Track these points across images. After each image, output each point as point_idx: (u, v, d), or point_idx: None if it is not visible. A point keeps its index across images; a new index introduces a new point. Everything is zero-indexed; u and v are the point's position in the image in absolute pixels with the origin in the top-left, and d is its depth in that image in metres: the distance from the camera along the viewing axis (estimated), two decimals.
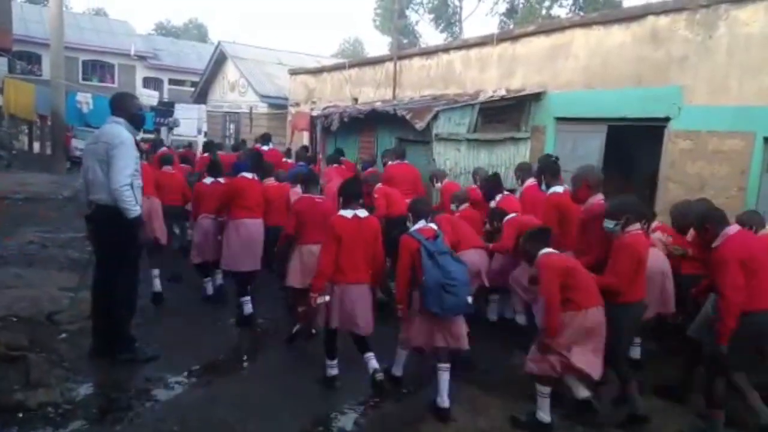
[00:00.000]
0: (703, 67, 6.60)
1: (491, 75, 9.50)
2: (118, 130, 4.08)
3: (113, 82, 28.24)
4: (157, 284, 5.73)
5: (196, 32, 49.83)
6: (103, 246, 4.23)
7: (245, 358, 4.78)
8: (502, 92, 8.80)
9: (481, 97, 8.68)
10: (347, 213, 4.04)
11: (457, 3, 33.91)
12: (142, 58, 29.19)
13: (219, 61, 21.74)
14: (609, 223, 3.79)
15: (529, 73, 8.82)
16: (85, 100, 17.44)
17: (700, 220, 3.86)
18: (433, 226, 4.04)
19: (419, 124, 7.91)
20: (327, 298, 4.00)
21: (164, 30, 48.64)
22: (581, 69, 7.99)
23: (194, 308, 5.75)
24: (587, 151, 7.90)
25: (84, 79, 27.04)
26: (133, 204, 4.00)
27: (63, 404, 3.56)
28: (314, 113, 12.50)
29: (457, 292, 3.66)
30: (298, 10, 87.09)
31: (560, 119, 8.39)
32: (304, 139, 13.55)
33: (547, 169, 4.96)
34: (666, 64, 6.95)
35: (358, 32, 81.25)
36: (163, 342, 4.68)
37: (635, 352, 4.76)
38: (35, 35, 23.87)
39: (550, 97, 8.48)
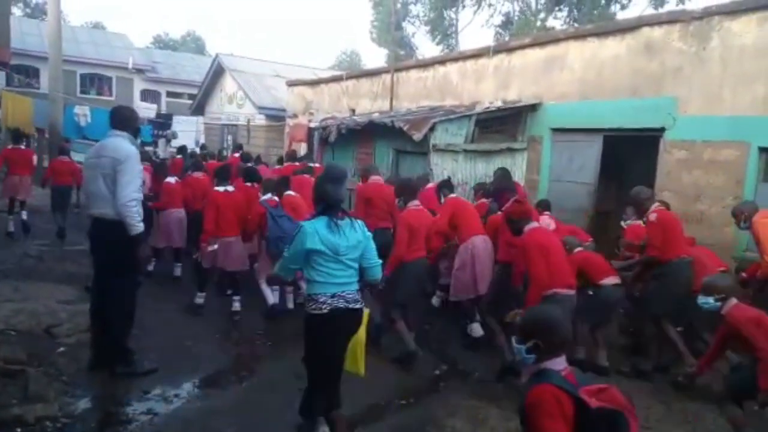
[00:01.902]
0: (697, 78, 6.67)
1: (487, 86, 9.58)
2: (122, 143, 4.08)
3: (111, 95, 28.27)
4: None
5: (194, 45, 50.01)
6: (101, 259, 4.23)
7: (243, 369, 4.77)
8: (499, 103, 8.86)
9: (478, 108, 8.75)
10: (220, 188, 5.87)
11: (453, 15, 34.17)
12: (139, 70, 29.26)
13: (217, 73, 21.82)
14: None
15: (524, 84, 8.89)
16: (83, 113, 17.45)
17: None
18: (275, 198, 5.83)
19: (417, 135, 7.96)
20: (215, 246, 5.71)
21: (162, 43, 48.82)
22: (576, 80, 8.07)
23: (191, 320, 5.75)
24: (584, 161, 7.95)
25: (82, 92, 27.05)
26: (138, 220, 4.02)
27: (61, 418, 3.55)
28: (312, 125, 12.55)
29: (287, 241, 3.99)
30: (296, 23, 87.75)
31: (556, 130, 8.45)
32: (302, 150, 13.59)
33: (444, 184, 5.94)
34: (660, 75, 7.03)
35: (355, 44, 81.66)
36: (161, 354, 4.67)
37: None
38: (33, 49, 23.91)
39: (545, 108, 8.55)
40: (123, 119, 4.22)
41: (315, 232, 3.06)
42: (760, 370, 3.41)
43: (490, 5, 32.59)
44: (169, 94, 30.55)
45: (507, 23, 32.15)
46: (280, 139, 17.33)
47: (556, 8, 29.77)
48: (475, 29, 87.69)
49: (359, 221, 3.31)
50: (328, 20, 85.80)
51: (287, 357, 4.98)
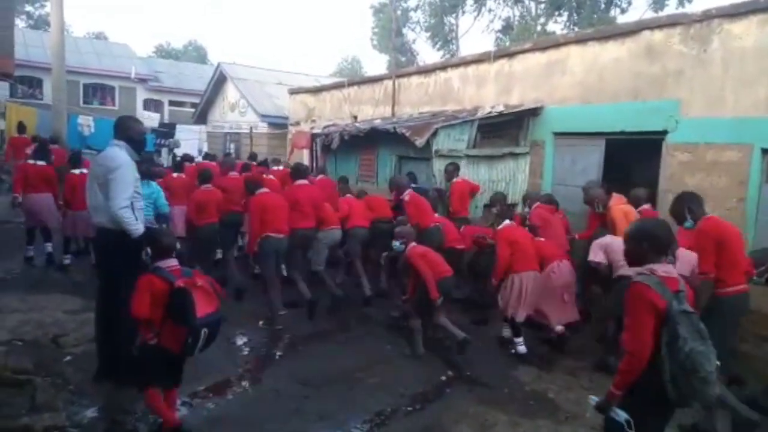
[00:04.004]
0: (698, 81, 6.68)
1: (489, 91, 9.61)
2: (117, 153, 4.08)
3: (114, 105, 28.45)
4: None
5: (196, 54, 50.26)
6: (105, 269, 4.25)
7: (248, 377, 4.77)
8: (501, 108, 8.88)
9: (480, 114, 8.77)
10: (31, 161, 7.52)
11: (453, 21, 34.29)
12: (142, 80, 29.44)
13: (219, 81, 21.94)
14: None
15: (526, 89, 8.91)
16: (86, 123, 17.50)
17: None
18: None
19: (419, 141, 7.98)
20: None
21: (164, 52, 49.10)
22: (578, 84, 8.09)
23: None
24: (586, 164, 7.96)
25: (85, 102, 27.22)
26: (134, 223, 4.01)
27: (69, 428, 3.56)
28: (314, 132, 12.59)
29: None
30: (297, 31, 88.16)
31: (558, 134, 8.46)
32: (304, 157, 13.63)
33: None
34: (662, 78, 7.04)
35: (356, 51, 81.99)
36: None
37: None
38: (36, 59, 24.08)
39: (547, 113, 8.56)
40: (120, 128, 4.22)
41: None
42: (427, 286, 5.13)
43: (490, 11, 32.71)
44: (172, 103, 30.71)
45: (507, 28, 32.24)
46: (283, 146, 17.39)
47: (556, 13, 29.87)
48: (476, 35, 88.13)
49: None
50: (329, 28, 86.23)
51: (293, 365, 5.01)
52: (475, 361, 5.24)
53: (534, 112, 8.68)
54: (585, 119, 7.95)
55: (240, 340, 5.54)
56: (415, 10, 34.86)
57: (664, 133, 6.99)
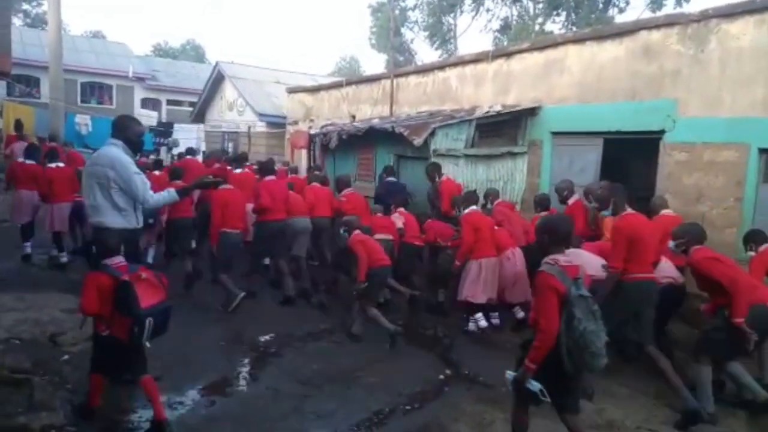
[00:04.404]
0: (696, 81, 6.70)
1: (487, 91, 9.61)
2: (115, 152, 4.05)
3: (111, 104, 28.37)
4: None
5: (194, 53, 50.18)
6: None
7: (247, 376, 4.78)
8: (498, 108, 8.89)
9: (478, 113, 8.78)
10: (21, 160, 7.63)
11: (451, 21, 34.30)
12: (140, 79, 29.38)
13: (217, 80, 21.91)
14: None
15: (524, 88, 8.93)
16: (84, 122, 17.52)
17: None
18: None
19: (417, 141, 7.98)
20: None
21: (162, 51, 48.98)
22: (575, 84, 8.10)
23: (195, 328, 5.76)
24: (584, 164, 7.98)
25: (83, 101, 27.15)
26: (163, 197, 4.22)
27: (66, 426, 3.55)
28: (312, 131, 12.59)
29: None
30: (295, 30, 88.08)
31: (556, 133, 8.47)
32: (303, 157, 13.63)
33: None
34: (659, 78, 7.06)
35: (355, 51, 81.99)
36: (165, 361, 4.66)
37: None
38: (34, 58, 24.01)
39: (545, 112, 8.58)
40: (117, 127, 4.19)
41: None
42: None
43: (488, 10, 32.74)
44: (170, 102, 30.65)
45: (505, 28, 32.28)
46: (281, 146, 17.38)
47: (554, 12, 29.91)
48: (474, 34, 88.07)
49: None
50: (327, 27, 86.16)
51: (291, 364, 5.02)
52: (473, 360, 5.25)
53: (532, 112, 8.70)
54: (583, 119, 7.97)
55: (238, 340, 5.54)
56: (414, 9, 34.88)
57: (662, 132, 7.01)
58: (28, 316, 5.30)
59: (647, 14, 24.26)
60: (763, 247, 4.83)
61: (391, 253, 6.44)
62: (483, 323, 5.93)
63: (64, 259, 7.64)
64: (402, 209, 7.27)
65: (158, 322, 3.46)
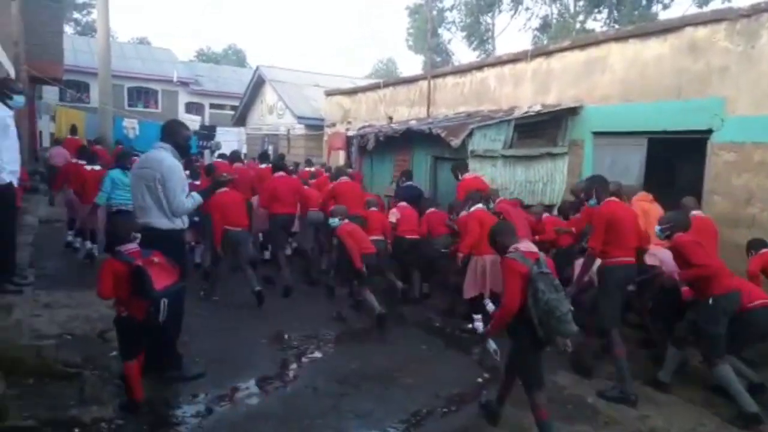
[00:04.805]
0: (745, 78, 6.46)
1: (526, 91, 9.50)
2: (164, 155, 4.20)
3: (157, 108, 29.30)
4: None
5: (235, 58, 51.29)
6: None
7: (287, 374, 4.85)
8: (538, 107, 8.77)
9: (517, 113, 8.68)
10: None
11: (489, 20, 34.00)
12: (184, 84, 30.21)
13: (257, 84, 22.34)
14: None
15: (564, 87, 8.78)
16: (131, 125, 18.10)
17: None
18: None
19: (454, 142, 7.96)
20: None
21: (205, 56, 50.24)
22: (618, 82, 7.92)
23: (237, 325, 5.89)
24: (627, 165, 7.79)
25: (129, 105, 28.11)
26: (192, 202, 4.32)
27: (115, 420, 3.68)
28: (350, 133, 12.70)
29: None
30: (333, 32, 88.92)
31: (598, 133, 8.30)
32: (341, 158, 13.76)
33: None
34: (706, 76, 6.83)
35: (392, 52, 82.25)
36: (208, 358, 4.81)
37: None
38: (84, 65, 24.98)
39: (587, 111, 8.41)
40: (167, 132, 4.34)
41: None
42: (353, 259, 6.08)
43: (527, 9, 32.33)
44: (212, 106, 31.43)
45: (545, 26, 31.80)
46: (319, 147, 17.59)
47: (596, 10, 29.28)
48: (512, 33, 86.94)
49: None
50: (364, 29, 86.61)
51: (329, 363, 5.07)
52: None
53: (573, 111, 8.55)
54: (626, 118, 7.78)
55: (278, 338, 5.63)
56: (451, 10, 34.75)
57: (709, 132, 6.78)
58: (79, 313, 5.52)
59: (693, 10, 23.48)
60: (762, 251, 5.21)
61: (385, 250, 6.91)
62: (479, 326, 5.94)
63: (95, 252, 7.89)
64: (404, 204, 7.55)
65: (172, 303, 3.72)
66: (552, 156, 8.63)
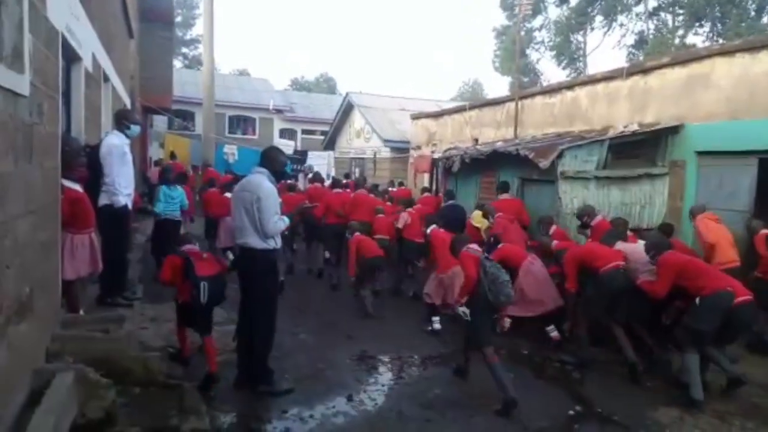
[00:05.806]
0: None
1: (621, 109, 9.10)
2: (261, 180, 4.45)
3: (254, 134, 30.96)
4: None
5: (326, 85, 53.37)
6: (245, 284, 4.61)
7: (372, 396, 4.87)
8: (635, 127, 8.37)
9: (611, 133, 8.32)
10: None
11: (580, 39, 33.09)
12: (279, 111, 31.75)
13: (347, 110, 23.07)
14: None
15: (663, 105, 8.32)
16: (231, 151, 19.28)
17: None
18: None
19: (543, 163, 7.76)
20: None
21: (298, 85, 52.71)
22: (724, 99, 7.39)
23: (325, 343, 6.02)
24: (736, 187, 7.22)
25: (230, 132, 29.92)
26: (282, 224, 4.53)
27: (211, 431, 3.87)
28: (435, 155, 12.75)
29: None
30: (419, 56, 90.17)
31: (702, 153, 7.76)
32: (425, 180, 13.83)
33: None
34: None
35: (477, 74, 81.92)
36: (297, 375, 4.94)
37: None
38: (190, 95, 26.91)
39: (689, 130, 7.91)
40: (267, 159, 4.60)
41: None
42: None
43: (621, 25, 31.15)
44: (304, 132, 32.77)
45: (641, 43, 30.48)
46: (404, 170, 17.78)
47: (697, 24, 27.65)
48: (605, 51, 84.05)
49: None
50: (450, 52, 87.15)
51: (413, 387, 5.04)
52: (608, 397, 4.90)
53: (674, 130, 8.07)
54: (733, 136, 7.23)
55: (364, 358, 5.68)
56: (540, 29, 34.19)
57: None
58: None
59: None
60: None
61: (387, 248, 8.01)
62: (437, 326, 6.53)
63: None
64: (413, 209, 8.76)
65: (212, 288, 4.47)
66: (651, 177, 8.17)
